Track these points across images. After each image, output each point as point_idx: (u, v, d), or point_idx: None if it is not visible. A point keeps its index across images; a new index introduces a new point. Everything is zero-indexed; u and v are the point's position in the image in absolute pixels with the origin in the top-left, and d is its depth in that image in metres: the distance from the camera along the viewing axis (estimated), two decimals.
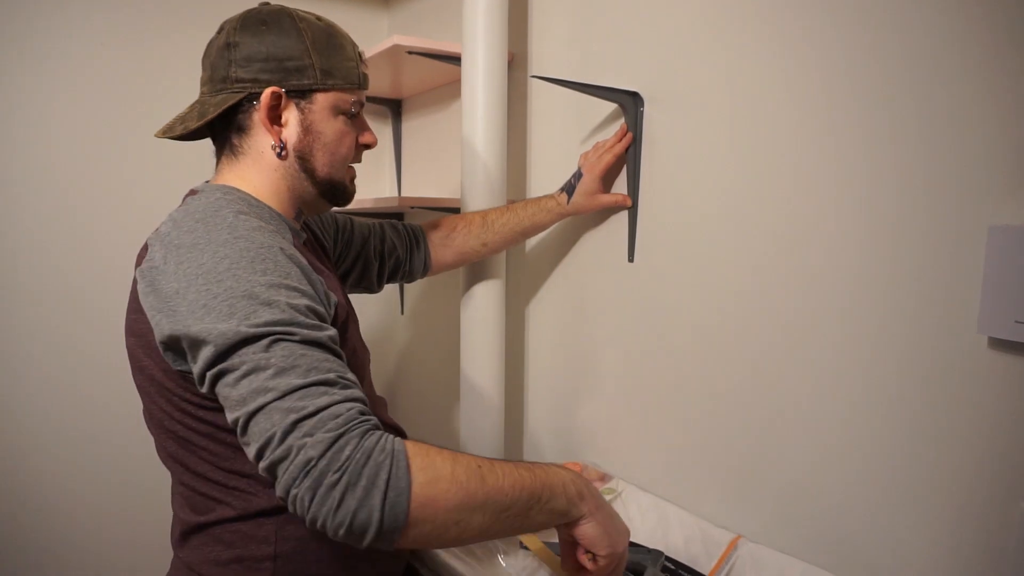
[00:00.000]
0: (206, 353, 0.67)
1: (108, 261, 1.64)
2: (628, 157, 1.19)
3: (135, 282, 0.78)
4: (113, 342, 1.66)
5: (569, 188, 1.21)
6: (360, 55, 0.93)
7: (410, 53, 1.45)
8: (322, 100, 0.88)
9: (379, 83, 1.80)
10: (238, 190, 0.86)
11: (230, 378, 0.66)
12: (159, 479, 1.67)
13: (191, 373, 0.72)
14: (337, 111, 0.90)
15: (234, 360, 0.66)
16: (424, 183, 1.93)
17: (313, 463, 0.60)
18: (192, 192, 0.87)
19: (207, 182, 0.90)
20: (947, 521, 0.80)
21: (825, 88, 0.90)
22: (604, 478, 1.23)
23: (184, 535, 0.83)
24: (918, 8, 0.80)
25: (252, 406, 0.64)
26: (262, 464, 0.64)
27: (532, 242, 1.47)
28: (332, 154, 0.90)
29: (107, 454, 1.69)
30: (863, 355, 0.87)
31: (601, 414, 1.32)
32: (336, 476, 0.60)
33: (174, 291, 0.71)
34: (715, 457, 1.08)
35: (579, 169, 1.21)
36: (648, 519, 1.13)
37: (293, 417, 0.62)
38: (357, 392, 0.68)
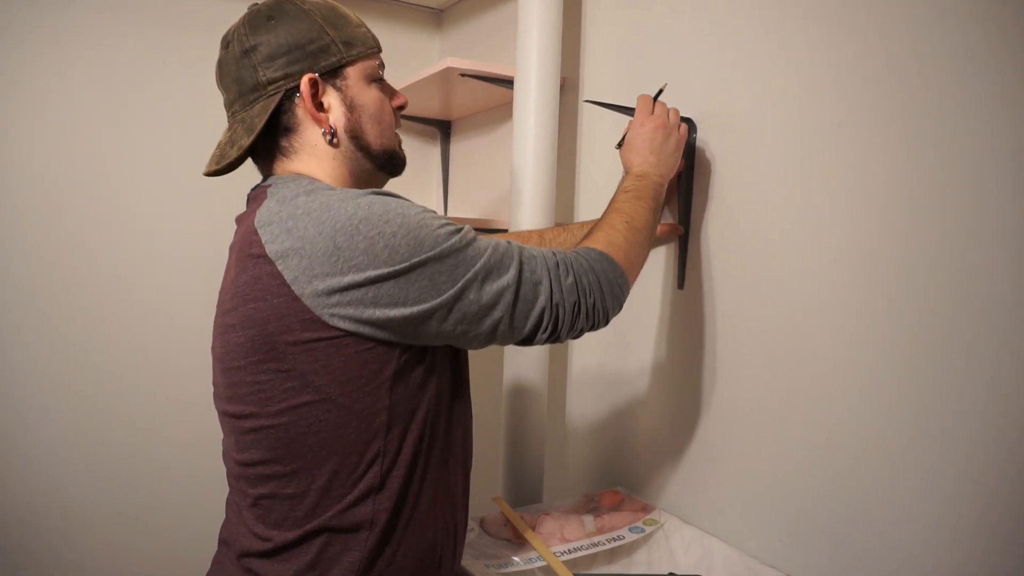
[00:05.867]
0: None
1: (108, 261, 1.66)
2: (679, 183, 1.18)
3: (270, 274, 0.76)
4: (118, 346, 1.67)
5: None
6: (359, 19, 0.92)
7: (463, 75, 1.47)
8: (353, 73, 0.88)
9: (429, 104, 1.82)
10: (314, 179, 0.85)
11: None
12: (160, 484, 1.69)
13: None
14: (369, 79, 0.89)
15: None
16: (471, 204, 1.94)
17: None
18: (261, 193, 0.85)
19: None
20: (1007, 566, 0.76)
21: (886, 114, 0.88)
22: (646, 508, 1.20)
23: (261, 552, 0.81)
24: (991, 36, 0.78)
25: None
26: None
27: None
28: (379, 123, 0.90)
29: (109, 458, 1.69)
30: (929, 387, 0.84)
31: (644, 443, 1.29)
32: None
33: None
34: (764, 490, 1.05)
35: None
36: (691, 554, 1.10)
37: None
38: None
